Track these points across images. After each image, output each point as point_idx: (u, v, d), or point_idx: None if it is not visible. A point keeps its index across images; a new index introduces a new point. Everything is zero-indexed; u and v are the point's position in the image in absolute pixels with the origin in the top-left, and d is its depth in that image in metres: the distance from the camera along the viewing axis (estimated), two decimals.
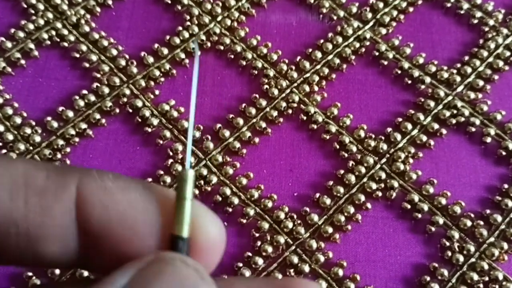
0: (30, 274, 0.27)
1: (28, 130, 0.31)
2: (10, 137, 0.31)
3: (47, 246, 0.16)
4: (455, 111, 0.32)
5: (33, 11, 0.35)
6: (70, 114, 0.31)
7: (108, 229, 0.16)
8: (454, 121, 0.31)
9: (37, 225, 0.16)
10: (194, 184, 0.18)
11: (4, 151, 0.30)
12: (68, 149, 0.31)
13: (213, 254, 0.18)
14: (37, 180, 0.16)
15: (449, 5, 0.36)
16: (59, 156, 0.30)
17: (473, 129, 0.31)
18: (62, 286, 0.22)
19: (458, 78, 0.32)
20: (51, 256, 0.17)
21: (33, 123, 0.31)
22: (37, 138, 0.31)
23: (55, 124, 0.31)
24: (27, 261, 0.17)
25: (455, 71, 0.33)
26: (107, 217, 0.17)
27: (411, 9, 0.35)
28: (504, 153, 0.30)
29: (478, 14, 0.35)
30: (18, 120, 0.31)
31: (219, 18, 0.35)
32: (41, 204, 0.16)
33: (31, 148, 0.30)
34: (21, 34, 0.34)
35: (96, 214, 0.16)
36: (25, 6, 0.35)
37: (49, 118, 0.31)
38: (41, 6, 0.35)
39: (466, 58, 0.34)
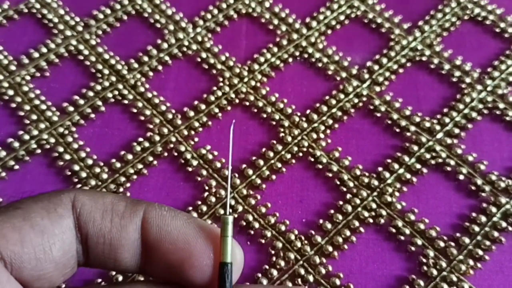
0: (99, 280, 0.32)
1: (98, 169, 0.36)
2: (83, 174, 0.36)
3: (123, 254, 0.23)
4: (434, 154, 0.36)
5: (99, 75, 0.41)
6: (130, 157, 0.37)
7: (159, 243, 0.23)
8: (433, 162, 0.36)
9: (117, 238, 0.22)
10: (233, 225, 0.23)
11: (79, 185, 0.36)
12: (128, 184, 0.36)
13: (238, 270, 0.24)
14: (119, 207, 0.23)
15: (433, 66, 0.41)
16: (121, 190, 0.36)
17: (449, 169, 0.36)
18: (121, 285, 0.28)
19: (438, 127, 0.37)
20: (125, 262, 0.23)
21: (101, 164, 0.37)
22: (105, 176, 0.36)
23: (118, 165, 0.37)
24: (109, 265, 0.23)
25: (435, 121, 0.38)
26: (160, 235, 0.23)
27: (401, 70, 0.41)
28: (473, 188, 0.35)
29: (457, 73, 0.40)
30: (90, 162, 0.37)
31: (245, 80, 0.40)
32: (121, 223, 0.22)
33: (99, 183, 0.36)
34: (91, 93, 0.40)
35: (153, 232, 0.23)
36: (93, 71, 0.41)
37: (113, 160, 0.37)
38: (106, 71, 0.41)
39: (446, 110, 0.39)
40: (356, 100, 0.40)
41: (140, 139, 0.38)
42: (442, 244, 0.33)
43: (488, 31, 0.43)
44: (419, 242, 0.33)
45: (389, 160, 0.37)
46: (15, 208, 0.21)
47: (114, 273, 0.33)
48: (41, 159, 0.38)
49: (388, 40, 0.43)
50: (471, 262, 0.33)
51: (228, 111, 0.40)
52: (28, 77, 0.42)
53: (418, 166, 0.36)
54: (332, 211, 0.35)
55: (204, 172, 0.37)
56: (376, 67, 0.41)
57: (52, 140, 0.38)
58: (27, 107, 0.40)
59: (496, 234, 0.33)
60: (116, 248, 0.23)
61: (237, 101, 0.40)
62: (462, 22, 0.44)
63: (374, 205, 0.35)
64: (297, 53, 0.43)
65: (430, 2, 0.45)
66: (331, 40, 0.43)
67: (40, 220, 0.21)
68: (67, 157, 0.37)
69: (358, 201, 0.35)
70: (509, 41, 0.43)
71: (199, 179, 0.37)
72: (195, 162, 0.37)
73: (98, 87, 0.41)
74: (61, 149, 0.38)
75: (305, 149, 0.37)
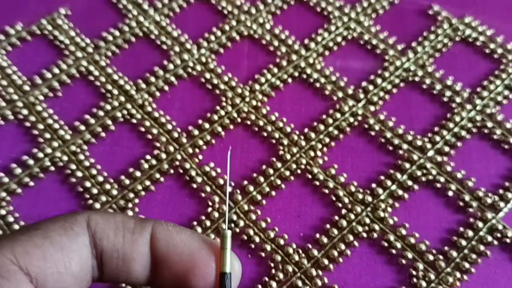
0: None
1: (108, 186, 0.38)
2: (94, 191, 0.38)
3: (134, 266, 0.25)
4: (425, 171, 0.38)
5: (109, 95, 0.43)
6: (138, 173, 0.39)
7: (167, 256, 0.25)
8: (424, 179, 0.38)
9: (129, 252, 0.25)
10: (231, 238, 0.25)
11: (90, 201, 0.38)
12: (136, 200, 0.38)
13: (237, 279, 0.26)
14: (129, 224, 0.25)
15: (425, 86, 0.43)
16: (130, 205, 0.37)
17: (439, 185, 0.38)
18: None
19: (429, 145, 0.39)
20: (136, 274, 0.25)
21: (111, 181, 0.38)
22: (114, 192, 0.38)
23: (127, 181, 0.38)
24: (121, 278, 0.25)
25: (427, 139, 0.40)
26: (166, 248, 0.25)
27: (395, 90, 0.43)
28: (462, 204, 0.37)
29: (448, 93, 0.42)
30: (101, 178, 0.38)
31: (247, 99, 0.42)
32: (132, 238, 0.25)
33: (110, 199, 0.38)
34: (101, 113, 0.42)
35: (160, 245, 0.25)
36: (103, 91, 0.43)
37: (122, 177, 0.38)
38: (115, 91, 0.43)
39: (437, 128, 0.40)
40: (351, 119, 0.41)
41: (148, 157, 0.40)
42: (431, 257, 0.35)
43: (478, 51, 0.45)
44: (410, 255, 0.35)
45: (382, 177, 0.39)
46: (35, 228, 0.24)
47: (123, 285, 0.35)
48: (54, 176, 0.40)
49: (383, 60, 0.45)
50: (458, 275, 0.34)
51: (231, 130, 0.42)
52: (41, 97, 0.43)
53: (410, 183, 0.38)
54: (328, 226, 0.37)
55: (208, 189, 0.39)
56: (371, 87, 0.43)
57: (65, 157, 0.40)
58: (41, 126, 0.42)
59: (482, 248, 0.35)
60: (129, 262, 0.25)
61: (239, 120, 0.42)
62: (453, 43, 0.46)
63: (367, 220, 0.37)
64: (296, 74, 0.44)
65: (423, 23, 0.47)
66: (328, 61, 0.45)
67: (59, 237, 0.23)
68: (79, 174, 0.39)
69: (352, 216, 0.37)
70: (498, 61, 0.45)
71: (203, 195, 0.38)
72: (199, 179, 0.39)
73: (108, 107, 0.43)
74: (73, 167, 0.40)
75: (303, 167, 0.39)
